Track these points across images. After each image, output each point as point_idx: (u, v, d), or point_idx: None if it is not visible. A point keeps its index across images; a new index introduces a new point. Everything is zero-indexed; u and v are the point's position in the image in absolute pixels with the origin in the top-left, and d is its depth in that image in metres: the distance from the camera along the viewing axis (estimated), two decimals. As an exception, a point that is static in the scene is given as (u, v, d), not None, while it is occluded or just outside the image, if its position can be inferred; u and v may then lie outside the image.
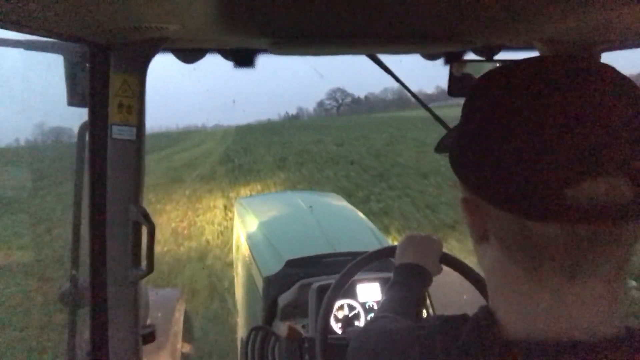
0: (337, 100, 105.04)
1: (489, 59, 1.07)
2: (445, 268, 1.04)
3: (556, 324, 0.39)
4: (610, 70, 0.39)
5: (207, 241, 5.39)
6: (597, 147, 0.35)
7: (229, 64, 1.01)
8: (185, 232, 5.87)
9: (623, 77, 0.39)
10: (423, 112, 1.38)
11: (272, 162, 12.74)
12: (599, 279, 0.38)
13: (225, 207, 6.96)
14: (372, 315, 1.29)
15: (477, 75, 1.10)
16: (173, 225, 6.15)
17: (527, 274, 0.40)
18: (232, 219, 3.72)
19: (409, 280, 0.87)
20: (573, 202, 0.35)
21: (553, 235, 0.37)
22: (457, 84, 1.08)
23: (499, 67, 0.44)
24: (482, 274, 1.03)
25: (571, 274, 0.38)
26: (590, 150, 0.35)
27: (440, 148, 0.60)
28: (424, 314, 1.27)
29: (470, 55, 1.08)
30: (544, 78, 0.38)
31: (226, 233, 5.46)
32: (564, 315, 0.39)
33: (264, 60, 1.03)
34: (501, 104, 0.39)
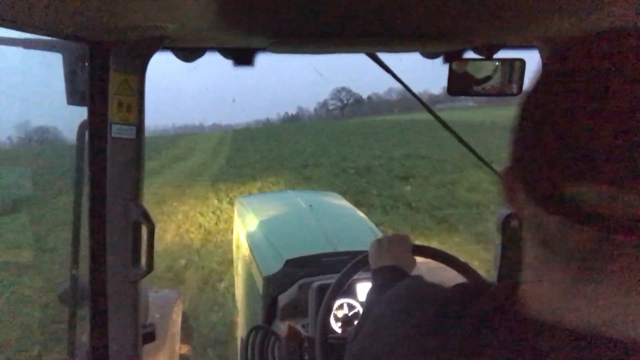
0: (341, 101, 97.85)
1: (489, 57, 1.07)
2: (440, 265, 1.04)
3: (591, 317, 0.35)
4: None
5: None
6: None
7: (229, 63, 1.02)
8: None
9: None
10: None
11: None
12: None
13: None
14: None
15: (476, 74, 1.10)
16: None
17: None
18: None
19: (388, 282, 0.85)
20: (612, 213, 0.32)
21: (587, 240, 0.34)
22: (457, 83, 1.08)
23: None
24: (459, 257, 1.03)
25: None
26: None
27: None
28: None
29: (469, 54, 1.08)
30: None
31: None
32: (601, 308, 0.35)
33: (262, 60, 1.01)
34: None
